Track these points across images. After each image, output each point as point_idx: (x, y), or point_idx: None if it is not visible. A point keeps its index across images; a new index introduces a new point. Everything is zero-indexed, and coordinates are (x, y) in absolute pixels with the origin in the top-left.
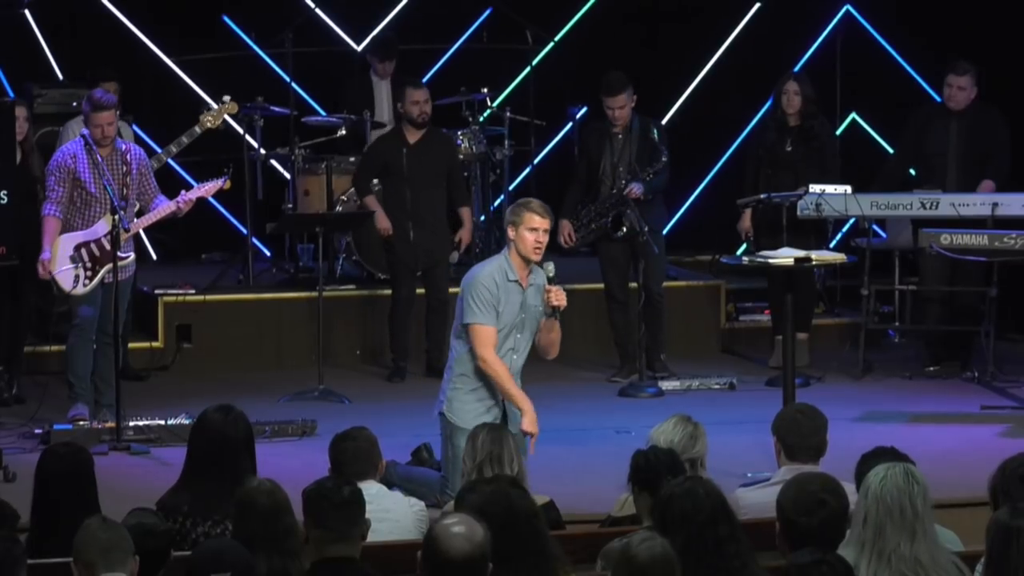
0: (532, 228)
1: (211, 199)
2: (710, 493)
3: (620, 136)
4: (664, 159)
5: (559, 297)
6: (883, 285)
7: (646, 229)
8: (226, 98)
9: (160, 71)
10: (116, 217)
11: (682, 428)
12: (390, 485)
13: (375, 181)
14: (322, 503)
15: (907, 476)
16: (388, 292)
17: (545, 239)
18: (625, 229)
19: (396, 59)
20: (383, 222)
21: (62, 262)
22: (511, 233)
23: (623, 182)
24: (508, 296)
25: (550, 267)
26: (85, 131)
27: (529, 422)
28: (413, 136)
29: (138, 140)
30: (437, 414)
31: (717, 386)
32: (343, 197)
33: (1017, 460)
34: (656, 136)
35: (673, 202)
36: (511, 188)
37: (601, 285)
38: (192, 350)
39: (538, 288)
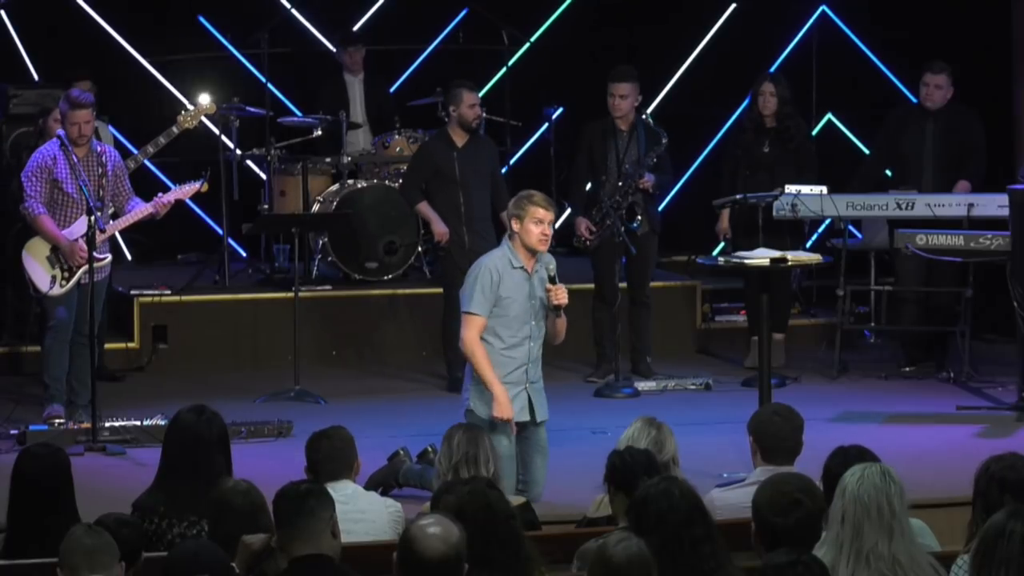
0: (538, 220)
1: (187, 200)
2: (685, 493)
3: (625, 133)
4: (664, 140)
5: (559, 296)
6: (859, 286)
7: (622, 229)
8: (203, 98)
9: (136, 71)
10: (92, 218)
11: (646, 435)
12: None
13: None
14: (280, 502)
15: (883, 475)
16: (366, 293)
17: (550, 231)
18: (640, 218)
19: (362, 45)
20: (439, 227)
21: (39, 263)
22: (515, 226)
23: (629, 175)
24: (514, 283)
25: (552, 266)
26: (61, 132)
27: (496, 407)
28: (461, 139)
29: (114, 140)
30: (464, 412)
31: (693, 386)
32: (319, 198)
33: (1004, 461)
34: (651, 121)
35: None
36: None
37: (573, 286)
38: (168, 351)
39: (542, 279)
